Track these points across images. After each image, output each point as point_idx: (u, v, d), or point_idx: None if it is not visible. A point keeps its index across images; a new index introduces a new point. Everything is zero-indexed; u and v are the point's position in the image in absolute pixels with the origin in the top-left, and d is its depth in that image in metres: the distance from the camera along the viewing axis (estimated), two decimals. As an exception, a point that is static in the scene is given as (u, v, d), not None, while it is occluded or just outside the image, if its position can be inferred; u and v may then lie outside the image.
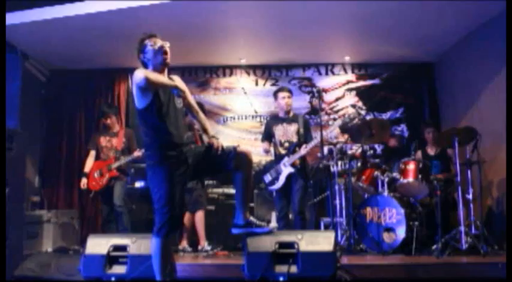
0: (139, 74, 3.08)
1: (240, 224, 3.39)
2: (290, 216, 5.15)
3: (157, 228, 3.16)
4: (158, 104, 3.19)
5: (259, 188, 6.24)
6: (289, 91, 5.22)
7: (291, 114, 5.21)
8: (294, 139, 5.08)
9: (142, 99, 3.20)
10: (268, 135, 5.27)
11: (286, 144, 5.09)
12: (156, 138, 3.22)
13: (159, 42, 3.28)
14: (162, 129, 3.21)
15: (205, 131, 3.46)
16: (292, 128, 5.11)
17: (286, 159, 5.00)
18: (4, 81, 5.11)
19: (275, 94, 5.25)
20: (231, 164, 3.27)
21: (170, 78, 3.36)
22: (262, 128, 5.67)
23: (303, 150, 4.94)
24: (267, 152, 5.25)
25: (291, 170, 4.96)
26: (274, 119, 5.35)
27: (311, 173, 5.79)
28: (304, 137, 5.08)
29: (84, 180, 5.75)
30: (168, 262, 3.24)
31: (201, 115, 3.52)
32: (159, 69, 3.26)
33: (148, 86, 3.11)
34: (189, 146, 3.34)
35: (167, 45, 3.29)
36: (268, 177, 5.13)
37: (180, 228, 3.65)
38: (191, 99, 3.49)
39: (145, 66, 3.31)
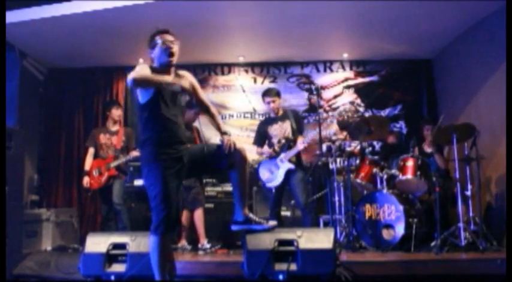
0: (130, 75, 3.10)
1: (239, 221, 3.39)
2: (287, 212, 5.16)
3: (155, 227, 3.16)
4: (158, 101, 3.20)
5: (258, 186, 6.24)
6: (276, 94, 5.18)
7: (281, 112, 5.24)
8: (291, 135, 5.09)
9: (143, 93, 3.22)
10: (261, 138, 5.29)
11: (283, 141, 5.10)
12: (151, 135, 3.22)
13: (168, 41, 3.27)
14: (160, 126, 3.21)
15: (217, 126, 3.46)
16: (286, 125, 5.13)
17: (283, 155, 5.01)
18: (4, 81, 5.10)
19: (262, 97, 5.24)
20: (225, 162, 3.27)
21: (178, 75, 3.37)
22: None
23: (301, 146, 4.94)
24: (261, 153, 5.24)
25: (289, 165, 4.96)
26: (267, 120, 5.36)
27: (310, 170, 5.81)
28: (297, 130, 5.08)
29: (86, 179, 5.74)
30: (167, 260, 3.24)
31: (213, 110, 3.53)
32: (164, 68, 3.28)
33: (137, 87, 3.15)
34: (185, 145, 3.34)
35: (175, 46, 3.27)
36: (264, 175, 5.12)
37: (177, 225, 3.64)
38: (202, 94, 3.52)
39: (152, 62, 3.34)
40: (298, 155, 5.06)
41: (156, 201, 3.16)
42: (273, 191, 5.16)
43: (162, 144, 3.20)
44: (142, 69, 3.16)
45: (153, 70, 3.23)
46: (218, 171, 3.56)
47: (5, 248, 4.31)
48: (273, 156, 5.10)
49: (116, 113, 5.94)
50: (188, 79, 3.41)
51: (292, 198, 5.44)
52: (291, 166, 4.96)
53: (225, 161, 3.26)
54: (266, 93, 5.22)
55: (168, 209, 3.14)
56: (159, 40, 3.28)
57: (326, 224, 5.73)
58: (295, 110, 5.47)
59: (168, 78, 3.25)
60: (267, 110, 5.29)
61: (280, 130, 5.14)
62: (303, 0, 5.29)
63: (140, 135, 3.33)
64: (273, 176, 5.05)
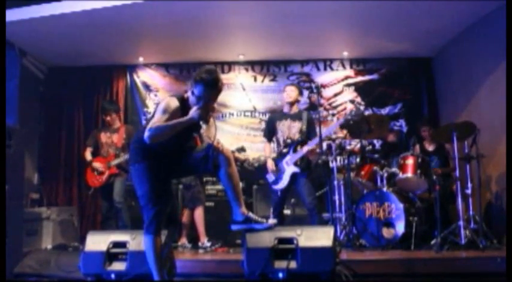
0: (146, 133, 3.08)
1: (238, 220, 3.37)
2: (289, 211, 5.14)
3: (146, 225, 3.23)
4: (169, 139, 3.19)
5: (259, 184, 6.23)
6: (297, 86, 5.22)
7: (296, 109, 5.17)
8: (297, 137, 5.02)
9: None
10: (270, 132, 5.22)
11: (289, 141, 5.05)
12: (145, 145, 3.18)
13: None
14: (156, 146, 3.20)
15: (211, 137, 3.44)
16: (296, 125, 5.06)
17: (288, 157, 4.95)
18: (4, 79, 5.10)
19: (284, 88, 5.28)
20: (210, 165, 3.25)
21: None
22: (263, 125, 5.62)
23: (305, 149, 4.89)
24: (272, 170, 5.07)
25: (294, 169, 4.90)
26: (278, 114, 5.30)
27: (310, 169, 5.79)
28: (308, 134, 5.00)
29: (95, 163, 5.73)
30: (164, 259, 3.25)
31: (216, 125, 3.51)
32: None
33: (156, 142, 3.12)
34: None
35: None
36: (271, 176, 5.09)
37: (177, 223, 3.66)
38: (213, 116, 3.46)
39: (188, 91, 3.30)
40: (306, 160, 4.98)
41: (144, 201, 3.23)
42: (278, 193, 5.08)
43: (148, 150, 3.20)
44: (158, 120, 3.11)
45: (181, 101, 3.22)
46: (206, 174, 3.53)
47: (5, 246, 4.31)
48: (282, 156, 5.03)
49: (106, 119, 5.94)
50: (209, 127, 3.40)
51: (299, 199, 5.41)
52: (296, 170, 4.89)
53: (210, 163, 3.24)
54: (288, 84, 5.26)
55: (156, 206, 3.20)
56: (205, 94, 3.16)
57: (326, 222, 5.73)
58: (310, 113, 5.38)
59: (191, 113, 3.16)
60: (283, 102, 5.26)
61: (288, 128, 5.06)
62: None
63: (134, 138, 3.37)
64: (279, 178, 5.01)
